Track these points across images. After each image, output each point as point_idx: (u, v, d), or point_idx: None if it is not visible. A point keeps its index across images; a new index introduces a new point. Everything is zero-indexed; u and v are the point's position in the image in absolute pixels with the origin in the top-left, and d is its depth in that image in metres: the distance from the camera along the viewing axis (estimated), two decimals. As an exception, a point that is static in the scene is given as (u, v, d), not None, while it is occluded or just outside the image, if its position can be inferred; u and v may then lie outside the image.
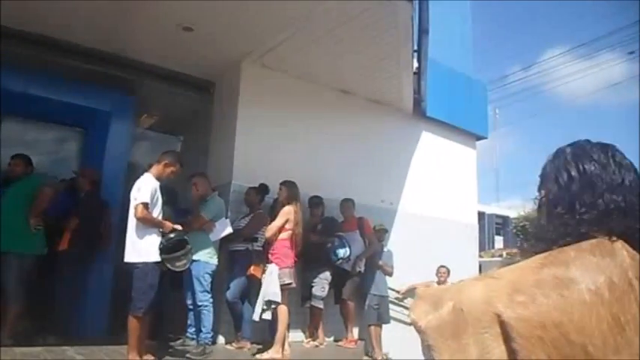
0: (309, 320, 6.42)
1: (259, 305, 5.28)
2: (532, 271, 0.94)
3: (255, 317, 5.32)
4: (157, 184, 4.70)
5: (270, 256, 5.45)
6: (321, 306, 6.28)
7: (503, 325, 0.88)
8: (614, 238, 0.96)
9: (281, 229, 5.45)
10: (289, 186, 5.67)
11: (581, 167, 1.05)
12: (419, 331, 0.95)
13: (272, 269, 5.33)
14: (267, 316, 5.28)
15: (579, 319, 0.86)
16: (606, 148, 1.08)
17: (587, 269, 0.92)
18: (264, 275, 5.45)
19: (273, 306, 5.26)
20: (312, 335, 6.36)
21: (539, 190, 1.13)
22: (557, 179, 1.07)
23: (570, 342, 0.85)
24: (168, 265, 4.66)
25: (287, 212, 5.50)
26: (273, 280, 5.27)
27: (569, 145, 1.13)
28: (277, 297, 5.24)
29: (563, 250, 0.97)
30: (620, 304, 0.88)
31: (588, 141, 1.11)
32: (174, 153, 5.30)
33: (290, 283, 5.42)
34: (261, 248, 5.78)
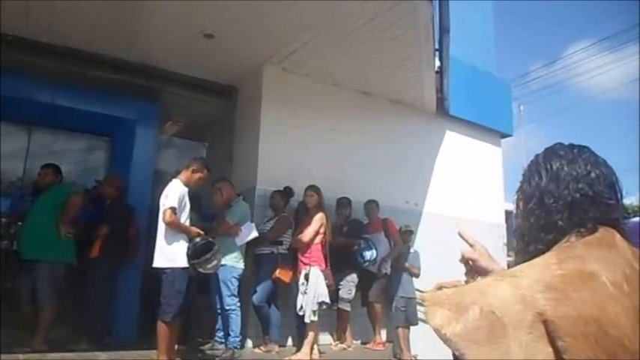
0: (336, 323, 6.42)
1: (309, 307, 5.34)
2: (553, 267, 0.93)
3: (307, 319, 5.37)
4: (185, 190, 4.77)
5: (306, 259, 5.55)
6: (349, 308, 6.29)
7: (546, 324, 0.85)
8: (612, 230, 1.00)
9: (316, 234, 5.57)
10: (319, 192, 5.78)
11: (549, 165, 1.11)
12: (444, 339, 0.91)
13: (316, 272, 5.45)
14: (316, 317, 5.38)
15: (612, 312, 0.86)
16: (575, 147, 1.14)
17: (602, 262, 0.92)
18: (300, 279, 5.51)
19: (324, 307, 5.42)
20: (340, 338, 6.36)
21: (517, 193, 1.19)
22: (530, 180, 1.13)
23: (609, 336, 0.84)
24: (200, 269, 4.73)
25: (321, 217, 5.65)
26: (320, 282, 5.41)
27: (542, 151, 1.19)
28: (327, 298, 5.41)
29: (571, 245, 0.99)
30: (637, 294, 0.89)
31: (561, 143, 1.17)
32: (201, 159, 5.37)
33: (331, 285, 5.62)
34: (286, 251, 5.81)
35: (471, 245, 1.43)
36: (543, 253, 1.01)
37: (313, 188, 5.81)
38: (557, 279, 0.90)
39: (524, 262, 1.00)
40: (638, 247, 0.99)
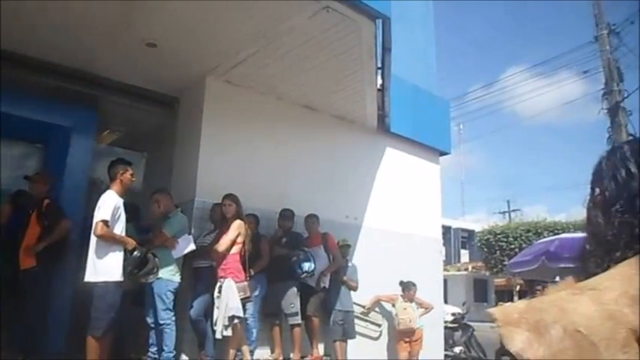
0: (272, 337, 6.38)
1: (220, 322, 5.21)
2: (635, 278, 0.83)
3: (218, 335, 5.26)
4: (119, 201, 4.68)
5: (221, 271, 5.38)
6: (299, 321, 6.27)
7: None
8: None
9: (233, 243, 5.41)
10: (237, 201, 5.63)
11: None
12: None
13: (230, 284, 5.26)
14: (229, 332, 5.23)
15: None
16: None
17: None
18: (215, 292, 5.39)
19: (236, 321, 5.21)
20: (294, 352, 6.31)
21: (592, 188, 1.04)
22: (615, 176, 0.98)
23: None
24: (142, 280, 4.71)
25: (238, 226, 5.47)
26: (233, 295, 5.21)
27: (624, 143, 1.06)
28: (240, 312, 5.22)
29: None
30: None
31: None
32: (118, 160, 5.16)
33: (249, 297, 5.43)
34: (225, 265, 5.74)
35: None
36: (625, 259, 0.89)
37: (231, 197, 5.63)
38: None
39: (602, 271, 0.90)
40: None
